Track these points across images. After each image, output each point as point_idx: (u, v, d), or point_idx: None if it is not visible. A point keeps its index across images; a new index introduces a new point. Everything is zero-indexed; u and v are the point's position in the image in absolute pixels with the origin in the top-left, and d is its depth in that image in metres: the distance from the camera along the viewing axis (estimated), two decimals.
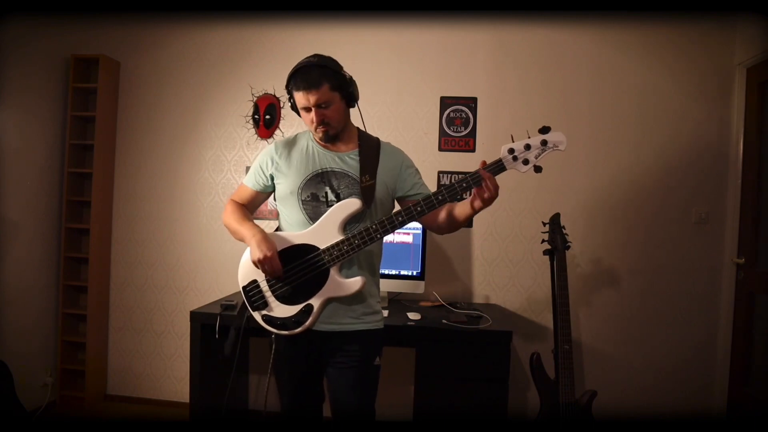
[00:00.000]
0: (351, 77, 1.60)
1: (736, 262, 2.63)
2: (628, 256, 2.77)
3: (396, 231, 1.54)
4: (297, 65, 1.55)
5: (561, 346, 2.28)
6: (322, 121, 1.55)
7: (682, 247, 2.73)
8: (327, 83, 1.52)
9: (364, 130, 1.73)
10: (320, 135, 1.59)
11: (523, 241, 2.82)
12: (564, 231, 2.39)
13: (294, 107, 1.62)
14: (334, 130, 1.59)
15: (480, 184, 1.44)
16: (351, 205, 1.55)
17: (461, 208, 1.56)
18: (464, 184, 1.45)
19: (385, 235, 1.53)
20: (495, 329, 2.21)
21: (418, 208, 1.49)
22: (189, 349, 2.32)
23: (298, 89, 1.53)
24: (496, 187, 1.43)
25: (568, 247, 2.39)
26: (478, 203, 1.47)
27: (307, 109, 1.55)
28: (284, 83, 1.59)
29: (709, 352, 2.72)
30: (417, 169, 1.71)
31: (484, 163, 1.44)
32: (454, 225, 1.62)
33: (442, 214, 1.61)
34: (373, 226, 1.51)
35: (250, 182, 1.72)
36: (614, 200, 2.77)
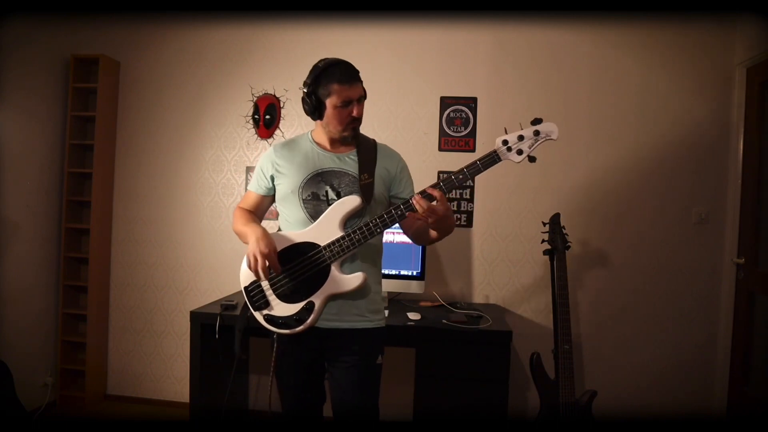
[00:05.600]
0: None
1: (736, 262, 2.62)
2: (628, 256, 2.77)
3: (395, 224, 1.54)
4: (330, 61, 1.55)
5: (561, 346, 2.28)
6: (359, 116, 1.58)
7: (682, 247, 2.73)
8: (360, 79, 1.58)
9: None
10: (349, 132, 1.60)
11: (523, 241, 2.82)
12: (564, 231, 2.39)
13: (317, 103, 1.56)
14: (359, 126, 1.63)
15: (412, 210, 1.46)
16: (351, 201, 1.56)
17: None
18: (458, 178, 1.46)
19: (384, 229, 1.54)
20: (495, 329, 2.22)
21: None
22: (189, 349, 2.32)
23: (343, 82, 1.52)
24: (430, 203, 1.42)
25: (568, 248, 2.39)
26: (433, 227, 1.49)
27: (346, 104, 1.55)
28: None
29: (709, 352, 2.72)
30: (410, 175, 1.73)
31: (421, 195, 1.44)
32: (426, 238, 1.62)
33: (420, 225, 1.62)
34: (373, 221, 1.52)
35: (254, 187, 1.73)
36: (614, 200, 2.77)
